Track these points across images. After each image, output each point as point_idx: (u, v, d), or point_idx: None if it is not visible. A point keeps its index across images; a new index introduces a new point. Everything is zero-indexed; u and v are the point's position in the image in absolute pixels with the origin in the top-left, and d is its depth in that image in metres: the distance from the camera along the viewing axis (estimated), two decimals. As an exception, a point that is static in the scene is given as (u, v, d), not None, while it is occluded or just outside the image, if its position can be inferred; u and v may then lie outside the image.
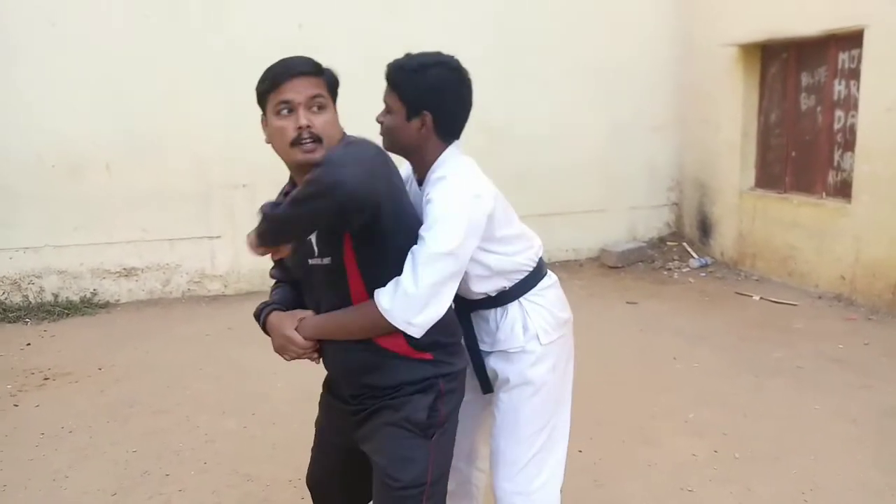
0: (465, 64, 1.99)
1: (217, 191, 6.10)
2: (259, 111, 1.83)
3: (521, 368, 2.06)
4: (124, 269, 6.10)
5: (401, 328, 1.75)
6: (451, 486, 2.26)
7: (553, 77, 6.91)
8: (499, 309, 2.07)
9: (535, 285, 2.09)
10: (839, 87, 5.80)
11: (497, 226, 1.95)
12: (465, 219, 1.79)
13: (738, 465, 3.32)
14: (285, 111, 1.75)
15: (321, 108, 1.77)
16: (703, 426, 3.71)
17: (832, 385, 4.18)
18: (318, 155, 1.74)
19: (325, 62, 1.83)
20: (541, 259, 2.14)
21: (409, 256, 1.76)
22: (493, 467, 2.10)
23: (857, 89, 5.52)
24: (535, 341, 2.07)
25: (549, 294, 2.13)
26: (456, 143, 2.00)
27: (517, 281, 2.07)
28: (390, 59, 1.97)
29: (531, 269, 2.09)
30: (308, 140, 1.74)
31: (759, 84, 6.56)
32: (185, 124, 5.99)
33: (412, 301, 1.71)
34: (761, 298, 5.93)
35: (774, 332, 5.13)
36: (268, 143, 1.83)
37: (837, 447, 3.45)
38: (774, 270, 6.35)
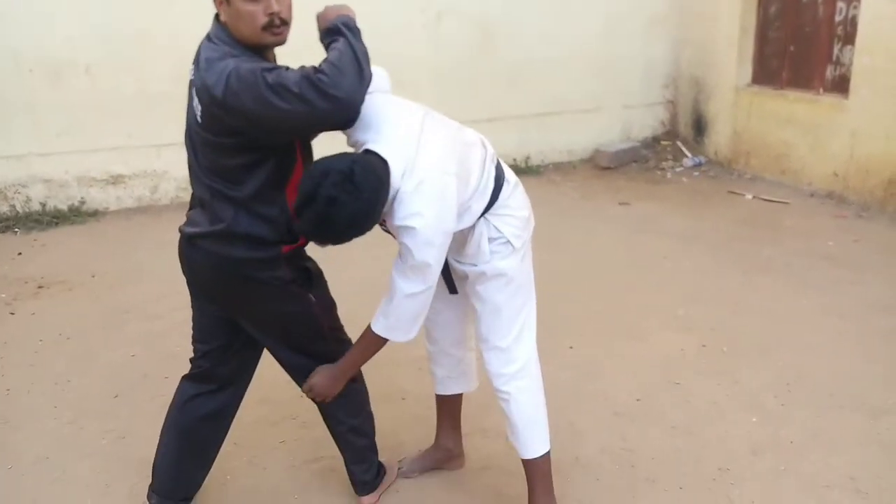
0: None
1: (202, 94, 5.94)
2: None
3: (494, 263, 2.09)
4: (111, 176, 6.00)
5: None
6: (444, 371, 2.44)
7: (548, -32, 6.65)
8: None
9: (497, 199, 2.07)
10: (842, -23, 5.60)
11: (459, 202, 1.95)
12: (437, 256, 1.89)
13: (726, 359, 3.40)
14: None
15: None
16: (692, 322, 3.77)
17: (821, 281, 4.23)
18: (285, 36, 1.91)
19: None
20: (497, 165, 2.10)
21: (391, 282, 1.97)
22: (482, 353, 2.19)
23: (861, -22, 5.33)
24: (507, 246, 2.09)
25: (511, 202, 2.11)
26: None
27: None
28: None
29: (491, 188, 2.06)
30: (279, 24, 1.88)
31: (759, -26, 6.32)
32: (167, 23, 5.75)
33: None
34: (754, 197, 5.92)
35: (765, 231, 5.15)
36: (223, 21, 1.91)
37: (823, 340, 3.53)
38: (768, 168, 6.31)
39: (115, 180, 6.01)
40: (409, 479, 2.58)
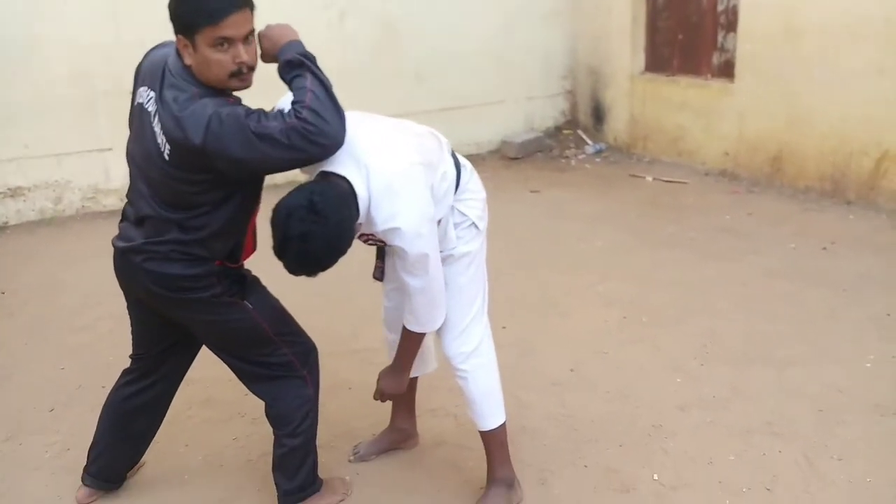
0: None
1: (103, 99, 5.74)
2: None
3: (460, 247, 2.19)
4: (9, 189, 5.71)
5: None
6: None
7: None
8: None
9: (459, 185, 2.17)
10: (722, -31, 6.02)
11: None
12: (430, 244, 1.98)
13: (646, 328, 3.64)
14: (224, 45, 1.85)
15: (252, 39, 1.93)
16: (612, 297, 4.01)
17: (722, 253, 4.57)
18: (251, 82, 1.95)
19: None
20: (451, 153, 2.21)
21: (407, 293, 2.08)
22: (441, 332, 2.26)
23: (739, -30, 5.75)
24: (472, 229, 2.20)
25: (471, 185, 2.23)
26: None
27: None
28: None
29: (454, 175, 2.15)
30: (246, 71, 1.92)
31: (646, -33, 6.69)
32: (61, 27, 5.54)
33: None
34: (654, 179, 6.28)
35: (667, 209, 5.49)
36: (188, 64, 1.91)
37: (730, 305, 3.84)
38: (665, 151, 6.70)
39: (14, 193, 5.73)
40: (367, 461, 2.66)
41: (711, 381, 3.12)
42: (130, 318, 2.35)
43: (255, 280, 2.27)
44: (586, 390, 3.10)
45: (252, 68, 1.93)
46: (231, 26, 1.84)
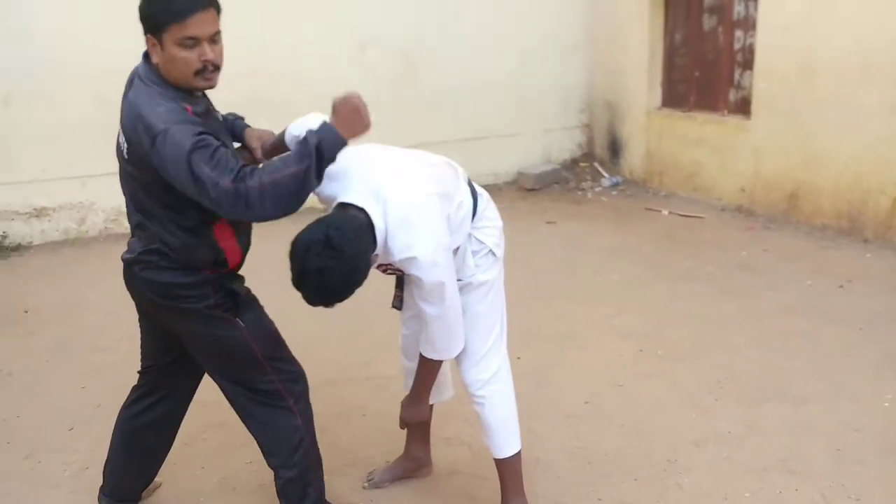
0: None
1: (128, 124, 5.85)
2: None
3: (478, 275, 2.23)
4: (34, 209, 5.83)
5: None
6: None
7: (466, -1, 6.95)
8: None
9: (475, 213, 2.21)
10: (739, 8, 6.09)
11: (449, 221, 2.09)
12: (446, 272, 2.02)
13: (662, 362, 3.65)
14: (190, 44, 1.91)
15: (218, 39, 1.98)
16: (628, 330, 4.01)
17: (738, 288, 4.58)
18: (216, 82, 2.00)
19: None
20: (469, 182, 2.25)
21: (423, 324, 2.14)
22: (459, 359, 2.28)
23: (756, 9, 5.82)
24: (489, 257, 2.24)
25: (488, 213, 2.27)
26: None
27: None
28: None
29: (470, 203, 2.19)
30: (211, 70, 1.96)
31: (664, 4, 6.76)
32: (86, 54, 5.68)
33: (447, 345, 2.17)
34: (670, 213, 6.30)
35: (684, 244, 5.50)
36: (155, 62, 1.97)
37: (746, 341, 3.83)
38: (681, 186, 6.73)
39: (39, 213, 5.84)
40: (381, 489, 2.67)
41: (727, 417, 3.12)
42: (140, 329, 2.40)
43: (252, 300, 2.29)
44: (601, 423, 3.10)
45: (217, 68, 1.98)
46: (196, 25, 1.90)
